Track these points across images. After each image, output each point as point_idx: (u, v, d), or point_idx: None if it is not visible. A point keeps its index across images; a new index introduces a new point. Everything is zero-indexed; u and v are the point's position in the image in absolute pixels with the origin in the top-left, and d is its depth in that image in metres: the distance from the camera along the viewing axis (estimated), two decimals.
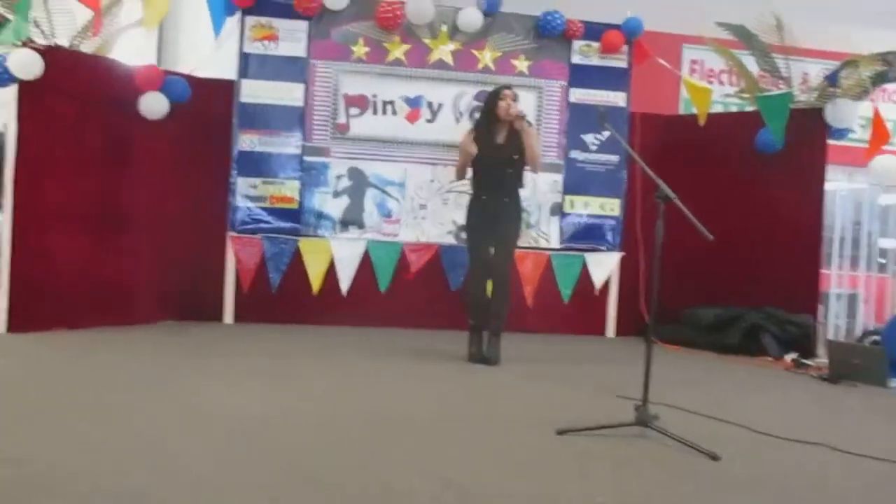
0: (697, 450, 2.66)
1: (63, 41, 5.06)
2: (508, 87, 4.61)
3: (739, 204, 5.85)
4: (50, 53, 4.84)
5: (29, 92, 4.84)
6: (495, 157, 4.48)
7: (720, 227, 5.65)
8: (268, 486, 2.17)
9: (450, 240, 5.81)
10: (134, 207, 5.37)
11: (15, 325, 4.74)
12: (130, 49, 5.80)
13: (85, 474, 2.21)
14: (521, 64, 5.90)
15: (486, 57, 5.84)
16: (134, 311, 5.31)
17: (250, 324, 5.55)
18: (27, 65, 4.72)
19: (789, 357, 5.22)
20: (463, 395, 3.73)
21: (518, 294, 5.68)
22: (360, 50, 5.79)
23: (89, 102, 5.08)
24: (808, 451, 2.85)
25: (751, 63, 6.12)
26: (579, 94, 5.98)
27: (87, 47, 5.17)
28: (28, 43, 4.72)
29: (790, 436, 2.98)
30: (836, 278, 8.38)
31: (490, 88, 4.81)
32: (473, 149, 4.46)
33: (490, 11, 5.79)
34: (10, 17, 4.77)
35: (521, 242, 5.85)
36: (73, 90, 4.99)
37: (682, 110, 7.53)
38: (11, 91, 4.82)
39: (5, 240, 4.79)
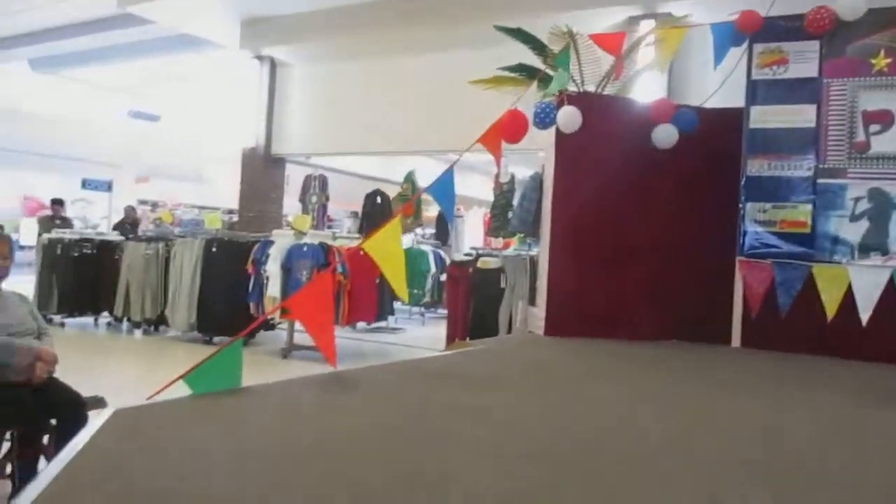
0: None
1: (591, 87, 5.86)
2: None
3: None
4: (579, 99, 5.67)
5: (561, 134, 5.73)
6: None
7: None
8: None
9: None
10: (646, 232, 5.85)
11: (548, 329, 5.67)
12: (645, 88, 6.40)
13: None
14: None
15: None
16: (643, 328, 5.73)
17: (756, 350, 5.52)
18: (571, 121, 5.61)
19: None
20: None
21: None
22: (881, 62, 5.36)
23: (610, 138, 5.77)
24: None
25: None
26: None
27: (609, 90, 5.89)
28: (563, 92, 5.62)
29: None
30: None
31: None
32: None
33: None
34: (551, 72, 5.73)
35: None
36: (598, 129, 5.71)
37: None
38: (550, 135, 5.81)
39: (544, 260, 5.76)
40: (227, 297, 9.31)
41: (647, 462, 2.40)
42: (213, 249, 9.71)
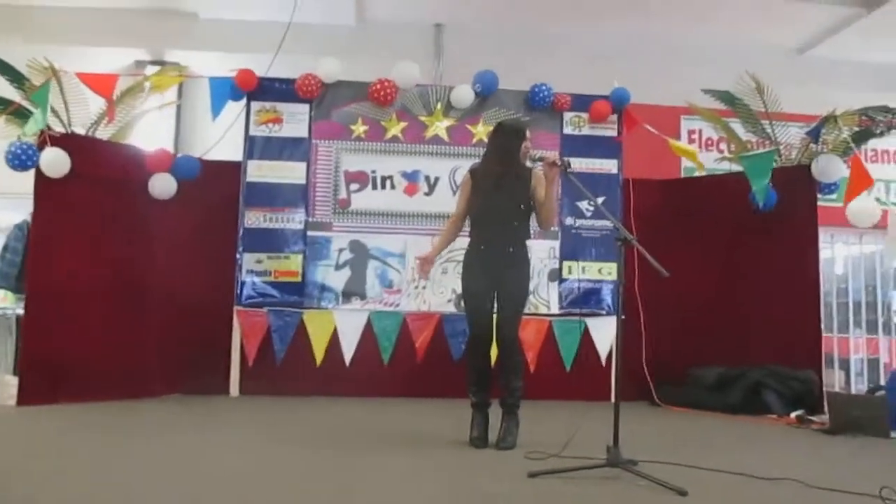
0: (666, 486, 2.70)
1: (79, 129, 5.41)
2: (527, 127, 3.97)
3: (738, 262, 5.95)
4: (66, 141, 5.20)
5: (45, 178, 5.16)
6: (501, 206, 3.77)
7: (719, 285, 5.90)
8: None
9: (450, 308, 5.92)
10: (144, 284, 5.58)
11: (23, 398, 4.92)
12: (149, 134, 6.17)
13: None
14: None
15: (480, 131, 6.09)
16: (143, 385, 5.43)
17: (255, 396, 5.62)
18: (56, 164, 5.09)
19: (794, 414, 5.15)
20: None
21: None
22: (359, 129, 6.08)
23: (102, 185, 5.38)
24: (779, 487, 2.87)
25: (741, 130, 6.34)
26: (573, 164, 6.14)
27: (103, 133, 5.51)
28: (47, 132, 5.07)
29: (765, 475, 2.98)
30: (854, 343, 8.42)
31: None
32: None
33: (485, 94, 6.09)
34: (30, 108, 5.14)
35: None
36: (87, 174, 5.28)
37: (684, 175, 7.56)
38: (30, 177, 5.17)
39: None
40: None
41: None
42: None
